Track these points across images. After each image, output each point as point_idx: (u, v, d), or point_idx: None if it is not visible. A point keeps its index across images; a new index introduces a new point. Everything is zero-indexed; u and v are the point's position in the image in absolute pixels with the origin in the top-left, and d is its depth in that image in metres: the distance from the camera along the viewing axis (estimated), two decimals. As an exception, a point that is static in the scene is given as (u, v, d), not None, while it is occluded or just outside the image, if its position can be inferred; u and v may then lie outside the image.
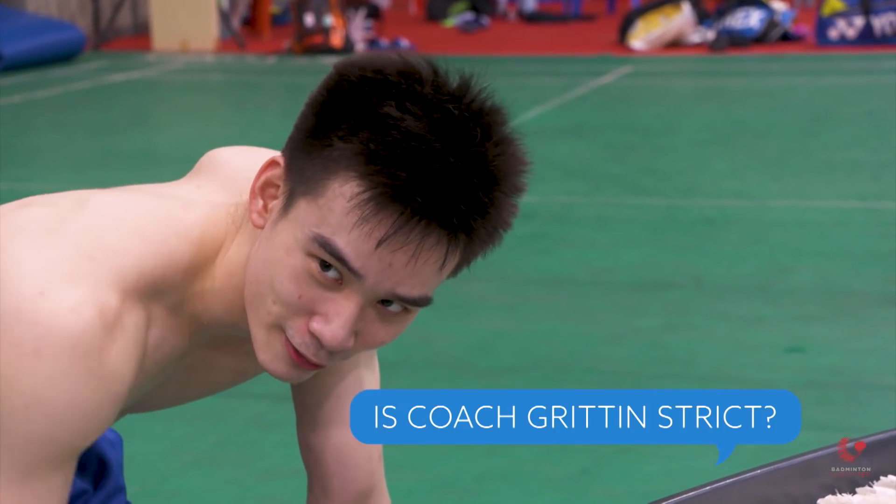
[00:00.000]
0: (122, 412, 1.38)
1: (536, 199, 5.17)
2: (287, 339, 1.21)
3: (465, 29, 11.72)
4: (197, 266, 1.27)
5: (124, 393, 1.22)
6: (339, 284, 1.18)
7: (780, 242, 4.44)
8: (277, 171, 1.22)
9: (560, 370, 3.31)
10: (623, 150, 6.21)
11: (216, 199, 1.31)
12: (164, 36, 10.59)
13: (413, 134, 1.14)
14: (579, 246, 4.50)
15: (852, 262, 4.16)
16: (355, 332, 1.21)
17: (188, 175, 1.40)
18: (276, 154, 1.24)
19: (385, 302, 1.20)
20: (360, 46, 10.08)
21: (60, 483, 1.21)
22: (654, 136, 6.56)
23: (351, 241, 1.16)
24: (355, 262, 1.17)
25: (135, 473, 2.04)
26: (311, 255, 1.18)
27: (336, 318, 1.19)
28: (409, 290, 1.19)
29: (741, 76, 8.61)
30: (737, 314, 3.69)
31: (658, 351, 3.41)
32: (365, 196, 1.15)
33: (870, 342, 3.39)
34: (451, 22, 12.05)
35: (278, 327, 1.21)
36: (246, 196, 1.26)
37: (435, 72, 1.18)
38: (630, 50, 9.89)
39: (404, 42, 10.37)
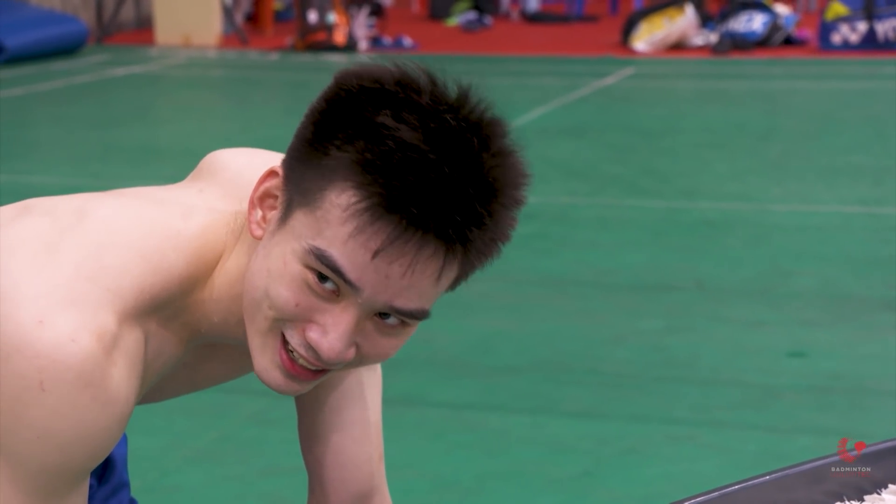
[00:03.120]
0: None
1: (538, 199, 5.17)
2: (282, 346, 1.20)
3: (467, 28, 11.71)
4: (195, 278, 1.26)
5: (129, 412, 1.23)
6: (335, 296, 1.17)
7: (782, 246, 4.43)
8: (276, 182, 1.21)
9: (561, 371, 3.30)
10: (625, 151, 6.21)
11: (218, 205, 1.30)
12: (166, 30, 10.58)
13: (408, 144, 1.12)
14: (581, 247, 4.49)
15: (854, 267, 4.15)
16: (355, 344, 1.20)
17: (190, 177, 1.39)
18: (275, 163, 1.23)
19: (383, 315, 1.19)
20: (362, 44, 10.06)
21: (79, 499, 1.23)
22: (656, 137, 6.55)
23: (347, 252, 1.15)
24: (351, 274, 1.15)
25: (135, 468, 2.03)
26: (308, 266, 1.17)
27: (333, 330, 1.18)
28: (406, 302, 1.17)
29: (743, 79, 8.60)
30: (738, 317, 3.68)
31: (659, 353, 3.40)
32: (360, 206, 1.13)
33: (871, 347, 3.38)
34: (454, 21, 12.04)
35: (275, 331, 1.20)
36: (246, 204, 1.25)
37: (433, 82, 1.16)
38: (633, 51, 9.88)
39: (407, 40, 10.36)
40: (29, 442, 1.18)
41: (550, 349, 3.46)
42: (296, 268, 1.17)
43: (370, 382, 1.48)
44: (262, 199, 1.22)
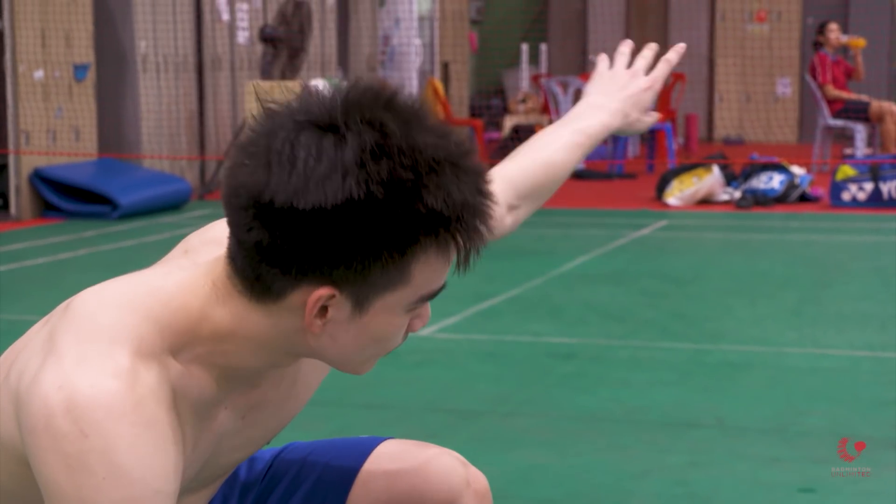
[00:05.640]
0: (200, 480, 1.35)
1: (578, 340, 5.11)
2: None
3: (521, 185, 11.75)
4: (186, 325, 1.24)
5: (176, 435, 1.19)
6: None
7: (796, 387, 4.32)
8: (325, 294, 1.21)
9: (593, 503, 3.21)
10: (657, 296, 6.14)
11: (199, 259, 1.31)
12: (260, 187, 10.67)
13: (460, 204, 1.20)
14: (615, 385, 4.40)
15: (861, 408, 4.02)
16: None
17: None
18: (317, 293, 1.21)
19: None
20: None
21: None
22: (685, 284, 6.48)
23: (442, 276, 1.25)
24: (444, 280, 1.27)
25: None
26: (416, 308, 1.25)
27: (427, 315, 1.28)
28: None
29: (764, 232, 8.53)
30: (755, 454, 3.57)
31: (682, 487, 3.30)
32: (441, 256, 1.22)
33: (875, 485, 3.26)
34: (510, 178, 12.09)
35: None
36: (223, 250, 1.26)
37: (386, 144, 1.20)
38: (666, 206, 9.86)
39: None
40: (101, 487, 1.13)
41: (584, 482, 3.37)
42: (404, 319, 1.25)
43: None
44: (319, 314, 1.23)
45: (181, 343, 1.23)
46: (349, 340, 1.23)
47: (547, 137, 1.77)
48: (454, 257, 1.23)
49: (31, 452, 1.16)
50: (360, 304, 1.20)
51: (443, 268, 1.23)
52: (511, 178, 1.68)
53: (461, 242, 1.21)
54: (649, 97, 1.83)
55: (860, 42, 11.46)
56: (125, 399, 1.15)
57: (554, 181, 1.76)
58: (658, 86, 1.83)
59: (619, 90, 1.80)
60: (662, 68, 1.83)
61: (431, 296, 1.24)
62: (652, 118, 1.85)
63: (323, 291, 1.20)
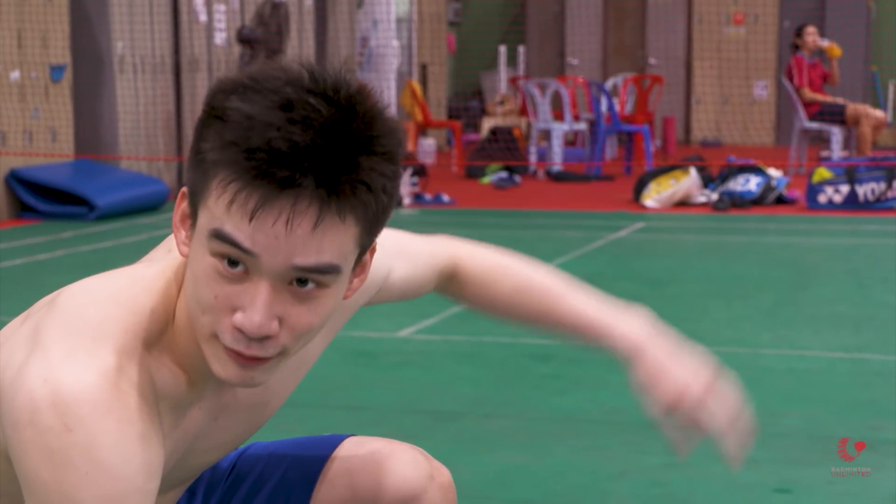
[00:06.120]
0: (169, 482, 1.35)
1: (556, 342, 5.12)
2: (224, 345, 1.18)
3: (499, 186, 11.78)
4: (167, 313, 1.25)
5: (158, 429, 1.20)
6: (246, 275, 1.15)
7: (772, 388, 4.35)
8: (184, 191, 1.21)
9: (571, 504, 3.23)
10: (634, 298, 6.04)
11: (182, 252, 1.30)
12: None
13: (251, 115, 1.12)
14: (593, 387, 4.42)
15: (836, 409, 4.06)
16: (279, 319, 1.17)
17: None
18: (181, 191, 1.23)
19: (300, 282, 1.16)
20: (406, 200, 10.13)
21: None
22: (663, 286, 6.50)
23: (233, 223, 1.13)
24: (245, 242, 1.13)
25: None
26: (214, 254, 1.15)
27: (251, 305, 1.15)
28: (307, 258, 1.14)
29: (741, 234, 8.57)
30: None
31: (659, 488, 3.32)
32: (230, 180, 1.13)
33: (852, 486, 3.29)
34: (487, 179, 12.12)
35: (214, 336, 1.18)
36: None
37: (293, 70, 1.16)
38: (643, 208, 9.90)
39: (445, 197, 10.43)
40: (82, 482, 1.12)
41: (562, 483, 3.38)
42: (207, 261, 1.16)
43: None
44: (182, 220, 1.22)
45: (163, 332, 1.24)
46: (188, 272, 1.19)
47: (543, 275, 1.62)
48: (249, 200, 1.12)
49: (13, 446, 1.16)
50: (193, 216, 1.18)
51: (227, 197, 1.13)
52: (456, 251, 1.62)
53: (242, 169, 1.12)
54: (690, 398, 1.50)
55: (836, 51, 11.53)
56: (110, 395, 1.16)
57: (483, 293, 1.59)
58: (708, 402, 1.51)
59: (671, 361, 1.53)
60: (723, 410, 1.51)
61: (224, 238, 1.14)
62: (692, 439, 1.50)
63: (185, 189, 1.22)
